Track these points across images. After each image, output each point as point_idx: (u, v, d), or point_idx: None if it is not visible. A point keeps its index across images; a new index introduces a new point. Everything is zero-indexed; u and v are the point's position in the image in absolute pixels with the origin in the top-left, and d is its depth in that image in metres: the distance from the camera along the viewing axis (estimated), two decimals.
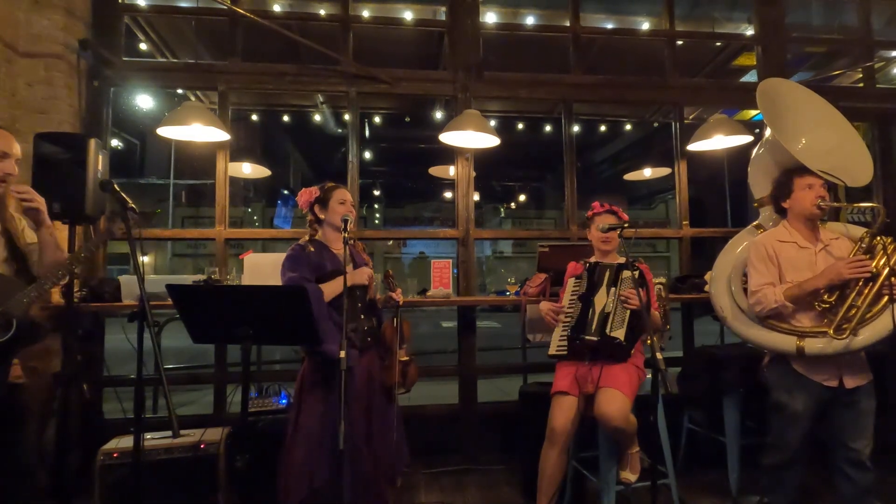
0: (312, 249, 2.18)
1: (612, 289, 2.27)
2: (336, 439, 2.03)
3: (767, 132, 2.38)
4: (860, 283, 1.94)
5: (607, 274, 2.32)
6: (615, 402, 2.08)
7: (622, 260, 2.39)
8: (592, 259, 2.49)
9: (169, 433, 2.34)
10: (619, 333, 2.16)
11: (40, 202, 1.81)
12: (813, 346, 1.97)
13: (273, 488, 2.17)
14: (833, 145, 2.38)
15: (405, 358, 2.23)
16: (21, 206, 1.83)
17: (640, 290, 2.09)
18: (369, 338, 2.22)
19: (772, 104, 2.39)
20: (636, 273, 2.19)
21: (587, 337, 2.22)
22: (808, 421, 2.03)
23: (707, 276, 3.19)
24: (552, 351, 2.35)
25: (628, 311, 2.19)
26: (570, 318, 2.32)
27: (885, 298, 1.91)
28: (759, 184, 2.45)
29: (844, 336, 1.90)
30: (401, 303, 2.28)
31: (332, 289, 2.12)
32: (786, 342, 2.02)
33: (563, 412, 2.19)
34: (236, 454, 2.30)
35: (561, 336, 2.34)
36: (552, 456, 2.18)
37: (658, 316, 2.41)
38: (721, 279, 2.43)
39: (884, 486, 2.18)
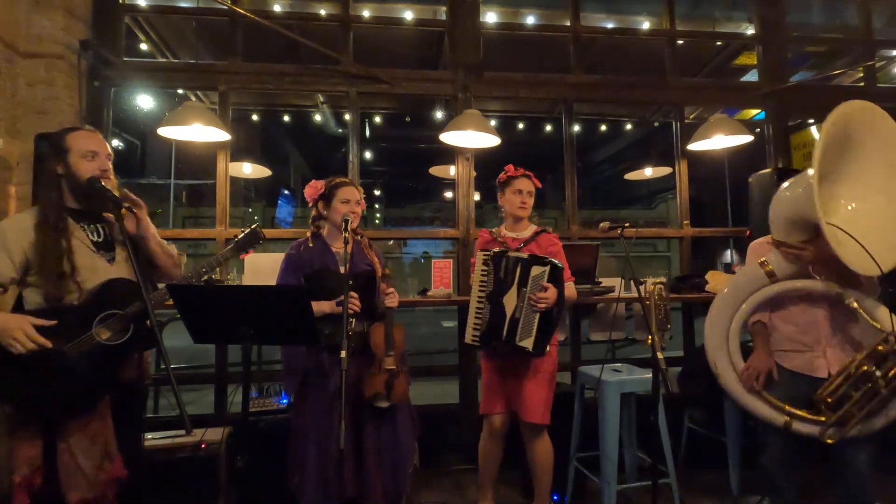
0: (312, 246, 2.13)
1: (523, 290, 2.13)
2: (321, 443, 1.97)
3: (810, 172, 1.74)
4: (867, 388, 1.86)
5: (517, 272, 2.14)
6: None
7: (532, 241, 2.35)
8: (501, 236, 2.40)
9: (169, 433, 2.35)
10: (528, 343, 2.10)
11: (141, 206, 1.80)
12: (801, 427, 1.95)
13: (273, 489, 2.17)
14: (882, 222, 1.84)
15: (392, 367, 2.02)
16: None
17: (552, 286, 2.07)
18: (354, 343, 2.00)
19: (842, 140, 1.80)
20: (546, 270, 2.10)
21: (497, 344, 2.20)
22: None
23: (708, 276, 3.20)
24: (468, 339, 2.25)
25: (538, 315, 2.09)
26: (480, 319, 2.22)
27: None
28: (780, 229, 1.97)
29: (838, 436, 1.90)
30: (394, 307, 2.11)
31: (317, 308, 1.97)
32: (775, 416, 1.99)
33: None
34: (237, 454, 2.30)
35: (475, 325, 2.23)
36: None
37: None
38: (718, 330, 2.09)
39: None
